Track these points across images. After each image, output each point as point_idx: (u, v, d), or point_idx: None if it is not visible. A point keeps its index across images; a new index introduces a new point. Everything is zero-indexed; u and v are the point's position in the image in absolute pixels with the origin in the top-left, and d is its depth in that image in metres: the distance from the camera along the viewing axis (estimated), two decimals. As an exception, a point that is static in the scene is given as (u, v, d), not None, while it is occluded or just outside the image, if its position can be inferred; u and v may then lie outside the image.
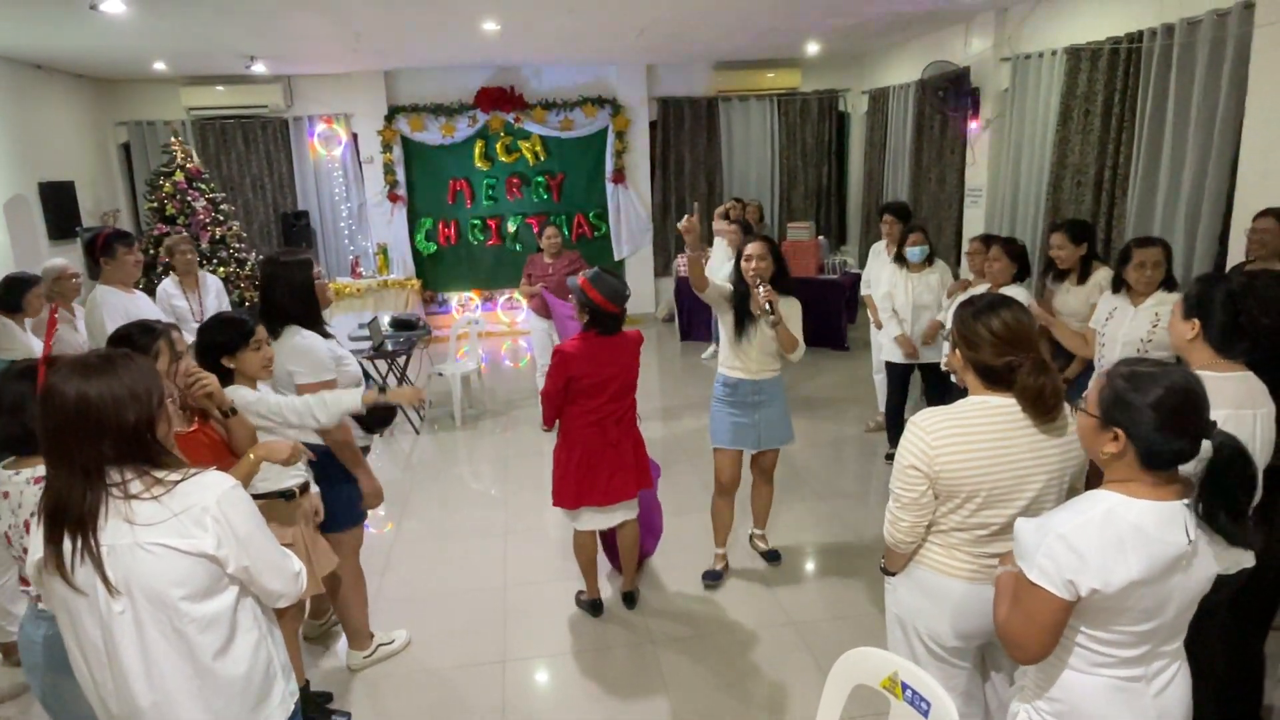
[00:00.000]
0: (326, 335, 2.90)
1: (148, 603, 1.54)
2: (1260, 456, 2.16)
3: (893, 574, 2.14)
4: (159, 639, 1.56)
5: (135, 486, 1.54)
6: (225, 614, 1.62)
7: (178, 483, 1.56)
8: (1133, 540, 1.50)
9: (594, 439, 3.29)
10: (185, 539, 1.54)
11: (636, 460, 3.39)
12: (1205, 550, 1.56)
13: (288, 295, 2.82)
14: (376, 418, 3.10)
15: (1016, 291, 4.01)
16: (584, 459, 3.30)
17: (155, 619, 1.55)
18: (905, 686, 1.80)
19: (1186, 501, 1.54)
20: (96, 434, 1.51)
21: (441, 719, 3.00)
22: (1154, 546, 1.50)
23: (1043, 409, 1.89)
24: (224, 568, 1.59)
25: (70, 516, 1.50)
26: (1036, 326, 1.98)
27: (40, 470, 1.88)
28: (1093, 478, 1.76)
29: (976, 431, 1.92)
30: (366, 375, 3.15)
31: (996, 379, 1.94)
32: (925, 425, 1.95)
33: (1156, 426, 1.51)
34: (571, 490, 3.33)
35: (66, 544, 1.51)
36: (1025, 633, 1.59)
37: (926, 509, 1.97)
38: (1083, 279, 4.03)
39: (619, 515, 3.44)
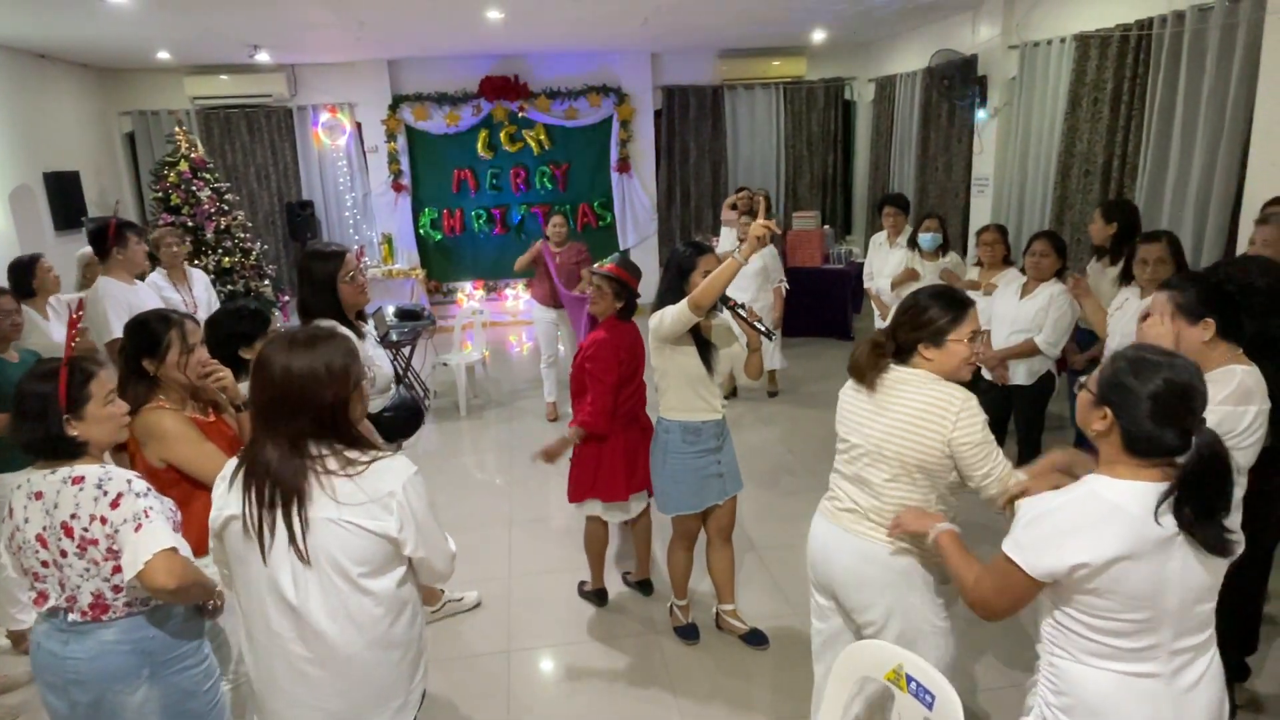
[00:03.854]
0: (360, 334, 2.81)
1: (332, 572, 1.61)
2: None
3: None
4: (339, 606, 1.63)
5: (332, 463, 1.60)
6: (392, 589, 1.69)
7: (369, 464, 1.62)
8: (1112, 518, 1.52)
9: (632, 427, 3.27)
10: (375, 521, 1.61)
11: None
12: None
13: (310, 289, 2.80)
14: (396, 427, 3.01)
15: (1051, 284, 3.90)
16: (628, 447, 3.26)
17: (336, 589, 1.62)
18: (910, 679, 1.80)
19: (1165, 486, 1.51)
20: (297, 408, 1.57)
21: (445, 710, 3.01)
22: (1137, 525, 1.50)
23: (853, 371, 2.20)
24: (401, 549, 1.66)
25: (278, 487, 1.57)
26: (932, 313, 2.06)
27: (77, 470, 1.82)
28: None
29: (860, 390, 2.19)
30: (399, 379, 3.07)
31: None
32: None
33: (1147, 414, 1.52)
34: (623, 482, 3.25)
35: (266, 513, 1.58)
36: (994, 598, 1.68)
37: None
38: (1114, 261, 3.94)
39: (641, 503, 3.44)
